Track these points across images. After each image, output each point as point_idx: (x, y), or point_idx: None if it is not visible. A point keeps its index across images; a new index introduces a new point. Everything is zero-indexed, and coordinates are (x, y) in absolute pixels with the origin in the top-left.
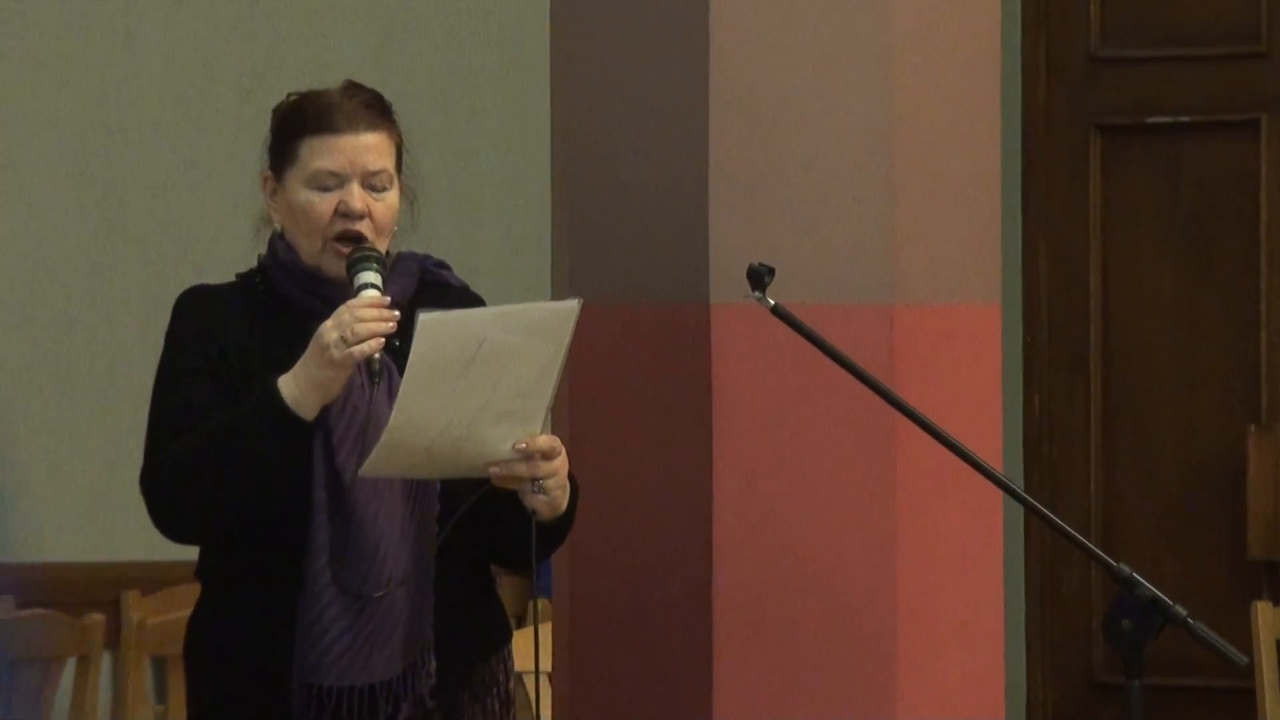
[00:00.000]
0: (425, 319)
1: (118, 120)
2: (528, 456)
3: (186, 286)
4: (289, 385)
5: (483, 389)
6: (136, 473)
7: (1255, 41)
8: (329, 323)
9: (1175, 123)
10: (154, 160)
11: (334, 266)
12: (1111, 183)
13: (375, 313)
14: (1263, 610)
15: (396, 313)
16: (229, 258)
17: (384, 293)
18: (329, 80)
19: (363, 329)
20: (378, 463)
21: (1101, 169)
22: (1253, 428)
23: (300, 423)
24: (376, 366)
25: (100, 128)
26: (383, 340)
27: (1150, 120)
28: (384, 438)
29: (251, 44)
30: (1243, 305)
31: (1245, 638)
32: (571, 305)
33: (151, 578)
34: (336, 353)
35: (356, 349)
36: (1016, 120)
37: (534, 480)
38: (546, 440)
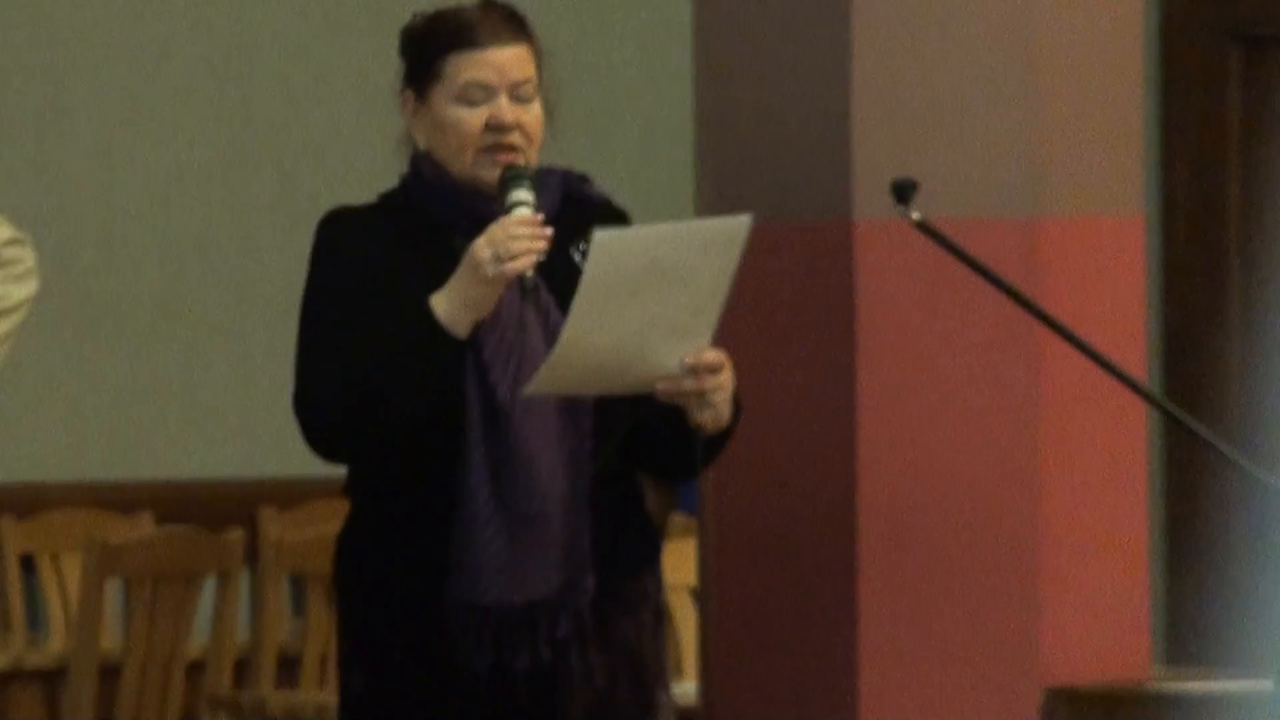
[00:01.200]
0: (600, 236)
1: (247, 38)
2: (696, 371)
3: (317, 202)
4: (441, 303)
5: (653, 305)
6: (270, 389)
7: None
8: (481, 240)
9: None
10: (284, 77)
11: (488, 175)
12: (1250, 93)
13: (528, 230)
14: None
15: (549, 230)
16: (361, 173)
17: (536, 210)
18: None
19: (516, 246)
20: (544, 380)
21: (1240, 79)
22: None
23: (454, 341)
24: (530, 284)
25: (229, 46)
26: (535, 258)
27: None
28: (553, 355)
29: None
30: None
31: None
32: (743, 220)
33: (287, 494)
34: (490, 269)
35: (510, 266)
36: (1156, 30)
37: (701, 395)
38: (714, 355)
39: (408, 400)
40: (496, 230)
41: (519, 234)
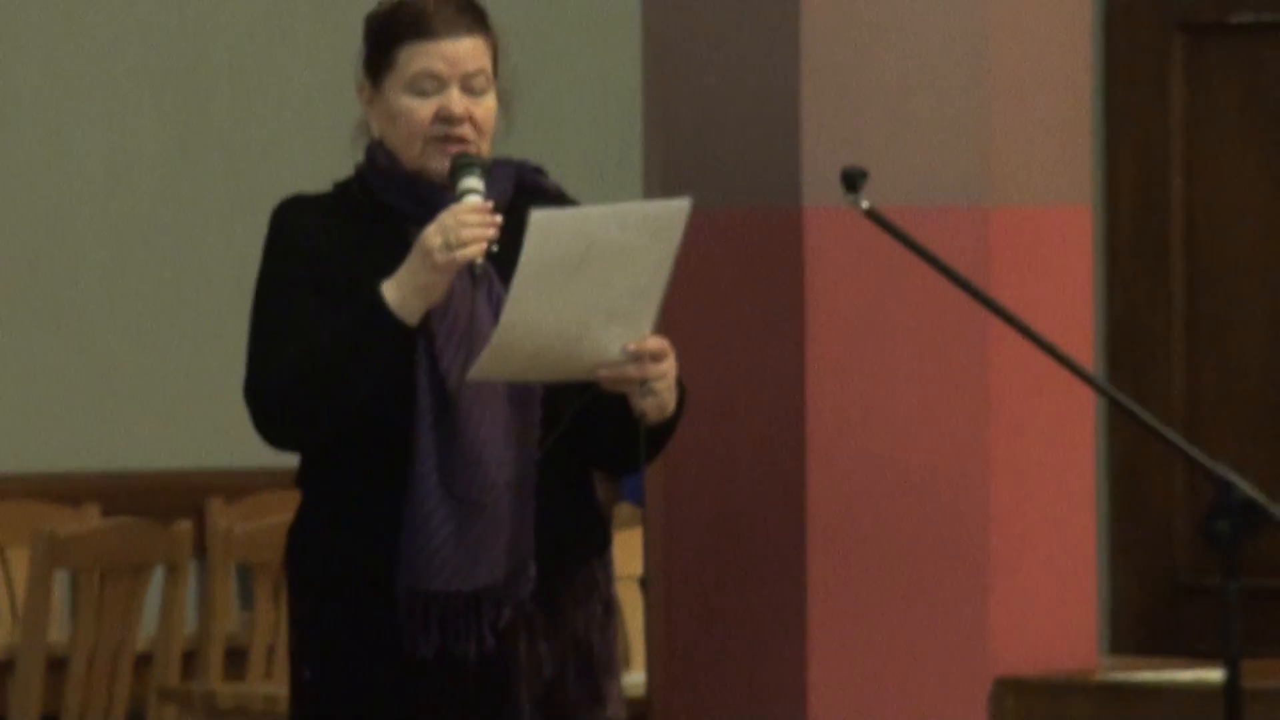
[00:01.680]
0: (538, 216)
1: (197, 27)
2: (638, 358)
3: (267, 191)
4: (392, 291)
5: (594, 288)
6: (218, 380)
7: None
8: (432, 227)
9: (1258, 22)
10: (234, 66)
11: (436, 164)
12: (1193, 81)
13: (479, 218)
14: None
15: (499, 218)
16: (312, 163)
17: (486, 198)
18: None
19: (466, 233)
20: (486, 365)
21: (1183, 68)
22: None
23: (404, 328)
24: (479, 271)
25: (180, 35)
26: (485, 245)
27: (1233, 19)
28: (494, 338)
29: None
30: None
31: None
32: (682, 204)
33: (236, 485)
34: (440, 257)
35: (460, 253)
36: (1099, 20)
37: (643, 382)
38: (656, 341)
39: (358, 387)
40: (447, 218)
41: (469, 221)
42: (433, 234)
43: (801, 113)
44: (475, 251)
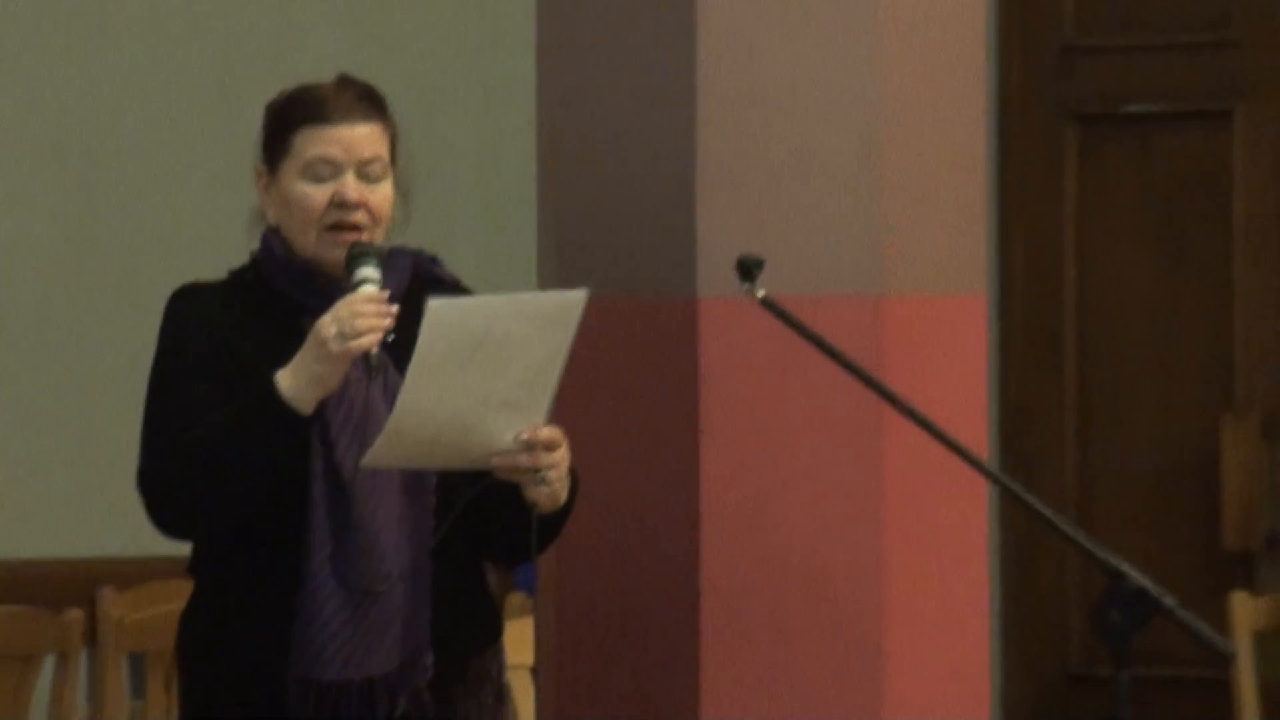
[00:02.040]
0: (434, 305)
1: (94, 117)
2: (530, 447)
3: (162, 282)
4: (286, 380)
5: (488, 377)
6: (110, 469)
7: (1228, 30)
8: (327, 317)
9: (1149, 112)
10: (130, 157)
11: (331, 255)
12: (1086, 172)
13: (374, 307)
14: (1240, 601)
15: (395, 307)
16: (205, 254)
17: (382, 288)
18: (306, 76)
19: (361, 324)
20: (381, 452)
21: (1076, 158)
22: (1227, 417)
23: (298, 417)
24: (375, 361)
25: (76, 124)
26: (380, 335)
27: (1125, 109)
28: (389, 425)
29: (229, 39)
30: (1216, 294)
31: (1220, 628)
32: (578, 295)
33: (127, 574)
34: (335, 346)
35: (354, 343)
36: (992, 109)
37: (536, 471)
38: (549, 431)
39: (251, 476)
40: (341, 307)
41: (364, 311)
42: (327, 324)
43: (696, 202)
44: (370, 342)
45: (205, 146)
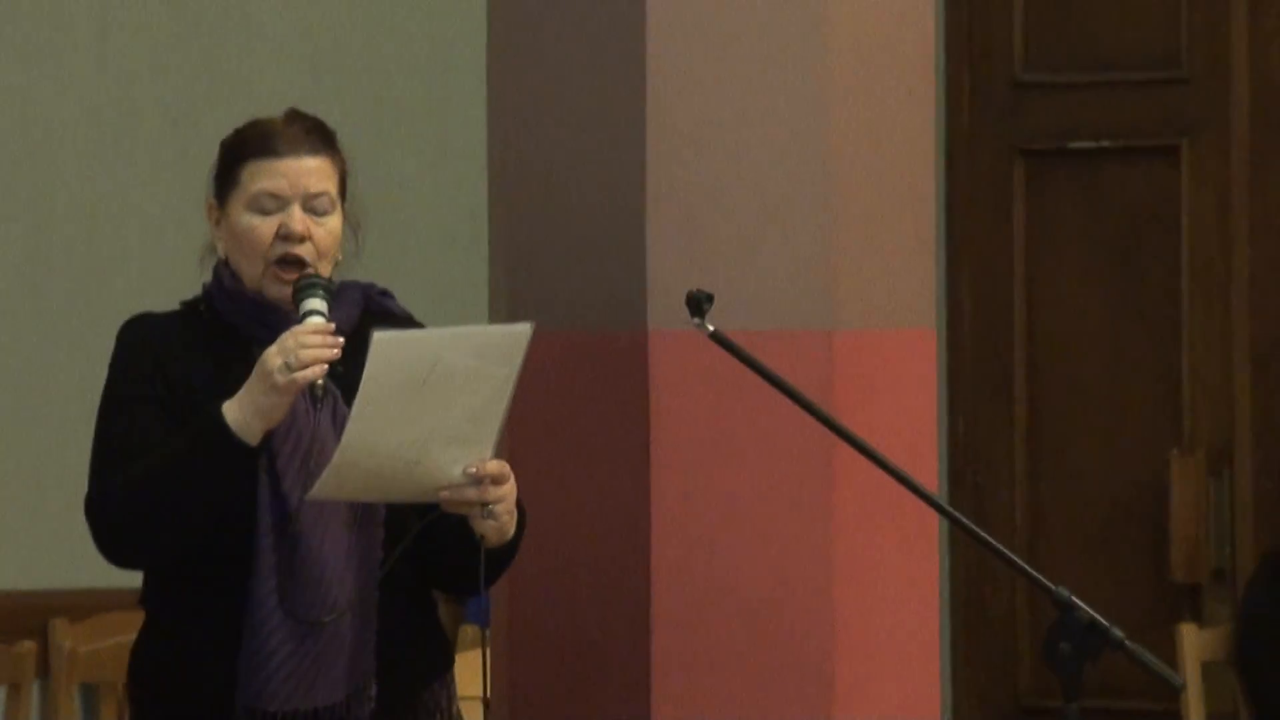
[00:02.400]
0: (380, 337)
1: (45, 151)
2: (478, 481)
3: (113, 313)
4: (233, 410)
5: (435, 410)
6: (64, 500)
7: (1176, 67)
8: (273, 349)
9: (1097, 148)
10: (81, 189)
11: (275, 291)
12: (1034, 207)
13: (319, 339)
14: (1188, 633)
15: (340, 339)
16: (156, 286)
17: (328, 319)
18: (257, 111)
19: (306, 355)
20: (328, 484)
21: (1025, 194)
22: (1175, 452)
23: (244, 448)
24: (320, 392)
25: (27, 158)
26: (326, 366)
27: (1073, 145)
28: (336, 458)
29: (179, 74)
30: (1165, 329)
31: (1169, 660)
32: (524, 328)
33: (79, 605)
34: (280, 378)
35: (300, 374)
36: (941, 145)
37: (483, 505)
38: (496, 465)
39: (197, 506)
40: (287, 339)
41: (310, 343)
42: (273, 355)
43: (647, 237)
44: (316, 373)
45: (157, 179)
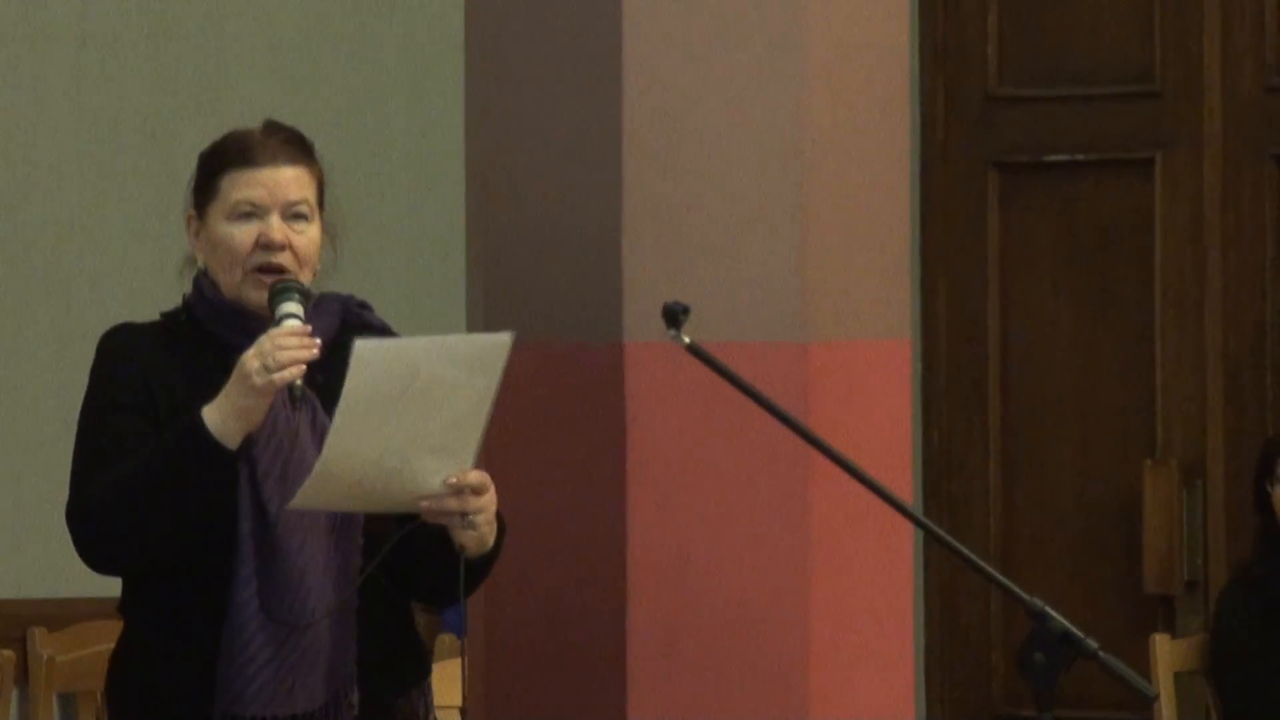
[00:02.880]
0: (361, 346)
1: (23, 164)
2: (458, 491)
3: (90, 325)
4: (212, 414)
5: (416, 420)
6: (42, 510)
7: (1150, 81)
8: (250, 351)
9: (1071, 161)
10: (59, 201)
11: (255, 297)
12: (1009, 220)
13: (296, 340)
14: (1161, 643)
15: (318, 340)
16: (134, 297)
17: (305, 322)
18: (235, 123)
19: (284, 356)
20: (309, 494)
21: (999, 207)
22: (1148, 463)
23: (224, 451)
24: (299, 393)
25: (4, 170)
26: (304, 367)
27: (1047, 159)
28: (317, 468)
29: (158, 88)
30: (1138, 341)
31: (1142, 671)
32: (504, 338)
33: (58, 614)
34: (258, 379)
35: (278, 375)
36: (915, 159)
37: (464, 515)
38: (477, 475)
39: (177, 509)
40: (265, 341)
41: (287, 344)
42: (251, 357)
43: (623, 249)
44: (293, 374)
45: (135, 190)
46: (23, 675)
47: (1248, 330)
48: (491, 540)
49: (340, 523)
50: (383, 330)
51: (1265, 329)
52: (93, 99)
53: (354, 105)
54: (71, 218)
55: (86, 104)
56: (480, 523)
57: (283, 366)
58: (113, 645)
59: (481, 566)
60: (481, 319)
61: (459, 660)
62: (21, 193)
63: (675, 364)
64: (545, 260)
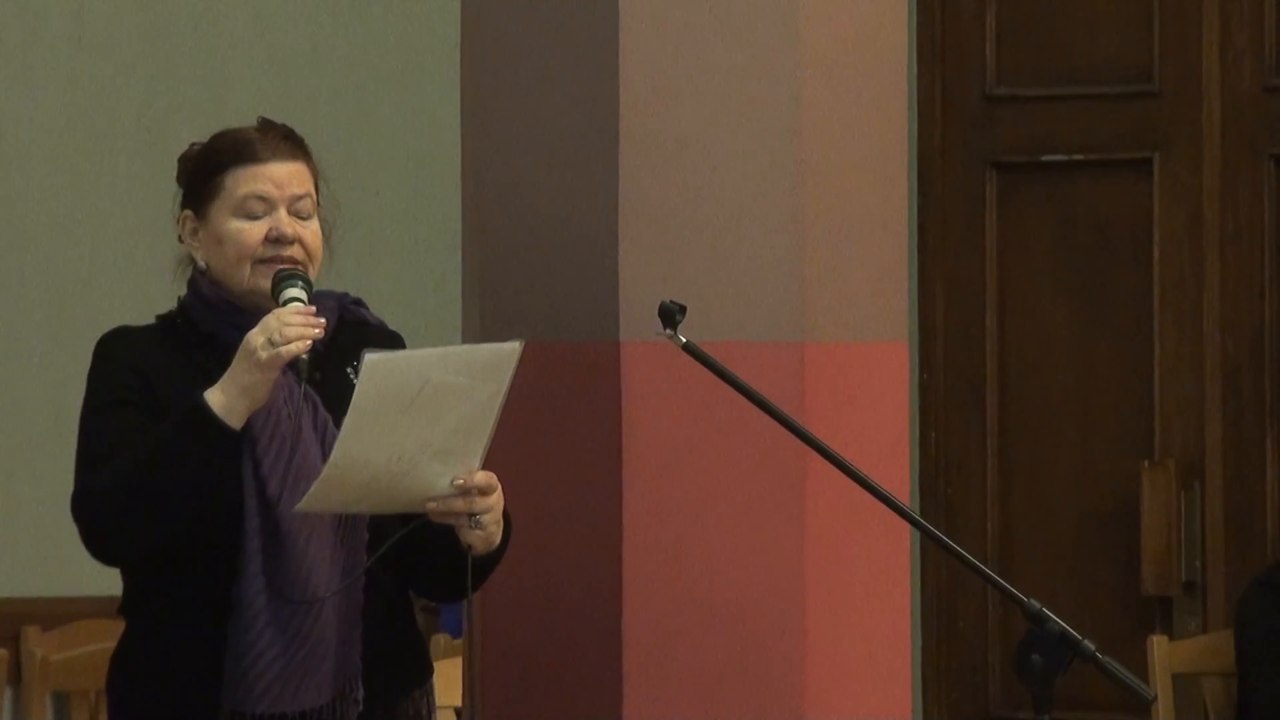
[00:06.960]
0: (371, 359)
1: (17, 162)
2: (465, 492)
3: (85, 326)
4: (215, 395)
5: (424, 427)
6: (35, 510)
7: (1148, 81)
8: (255, 329)
9: (1069, 161)
10: (53, 202)
11: (266, 284)
12: (1006, 221)
13: (301, 318)
14: (1159, 644)
15: (323, 320)
16: (129, 298)
17: (308, 304)
18: (230, 122)
19: (290, 331)
20: (315, 499)
21: (997, 207)
22: (1146, 464)
23: (228, 430)
24: (304, 366)
25: None
26: (309, 342)
27: (1045, 159)
28: (324, 473)
29: (152, 85)
30: (1136, 342)
31: (1140, 672)
32: (513, 347)
33: (52, 613)
34: (264, 354)
35: (284, 349)
36: (912, 158)
37: (471, 515)
38: (484, 476)
39: (183, 494)
40: (270, 319)
41: (292, 321)
42: (256, 334)
43: (620, 248)
44: (299, 348)
45: (130, 191)
46: (16, 674)
47: (1246, 331)
48: (499, 539)
49: (346, 521)
50: (379, 327)
51: (1263, 330)
52: (88, 97)
53: (351, 105)
54: (66, 218)
55: (82, 102)
56: (488, 522)
57: (288, 341)
58: (107, 644)
59: (488, 563)
60: (477, 318)
61: (454, 660)
62: (16, 192)
63: (671, 363)
64: (541, 259)
